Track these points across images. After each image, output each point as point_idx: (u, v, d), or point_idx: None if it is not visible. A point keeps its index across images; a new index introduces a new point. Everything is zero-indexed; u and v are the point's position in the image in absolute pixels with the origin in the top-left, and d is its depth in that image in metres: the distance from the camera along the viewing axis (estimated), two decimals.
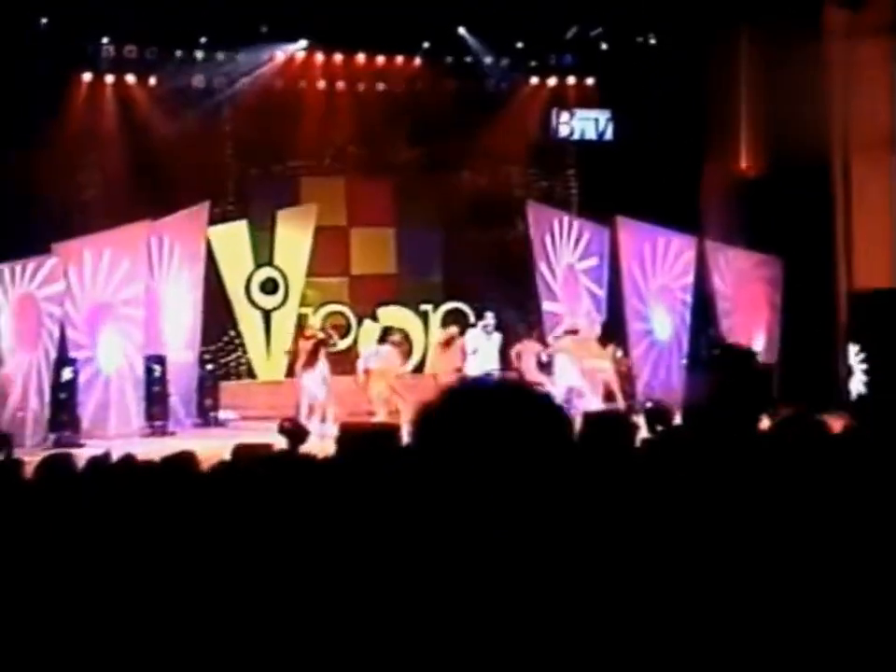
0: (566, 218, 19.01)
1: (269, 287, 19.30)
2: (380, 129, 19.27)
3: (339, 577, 2.30)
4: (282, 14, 17.76)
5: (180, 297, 17.77)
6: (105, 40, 17.80)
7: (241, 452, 7.46)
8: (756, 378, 3.30)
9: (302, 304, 19.48)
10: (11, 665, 3.08)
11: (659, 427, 8.56)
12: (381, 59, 19.28)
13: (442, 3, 17.96)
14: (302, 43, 18.82)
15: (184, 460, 4.61)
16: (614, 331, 18.18)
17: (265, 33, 18.26)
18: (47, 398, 15.90)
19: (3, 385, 15.46)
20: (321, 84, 19.26)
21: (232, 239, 19.07)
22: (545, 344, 17.85)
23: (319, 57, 19.15)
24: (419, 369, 19.07)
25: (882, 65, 17.10)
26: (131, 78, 18.25)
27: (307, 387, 16.57)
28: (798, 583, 2.64)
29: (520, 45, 19.38)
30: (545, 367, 17.62)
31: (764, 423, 3.61)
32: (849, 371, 16.59)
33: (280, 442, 9.49)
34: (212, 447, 11.28)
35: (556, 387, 17.39)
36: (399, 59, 19.34)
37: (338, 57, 19.17)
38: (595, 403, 16.69)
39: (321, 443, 10.78)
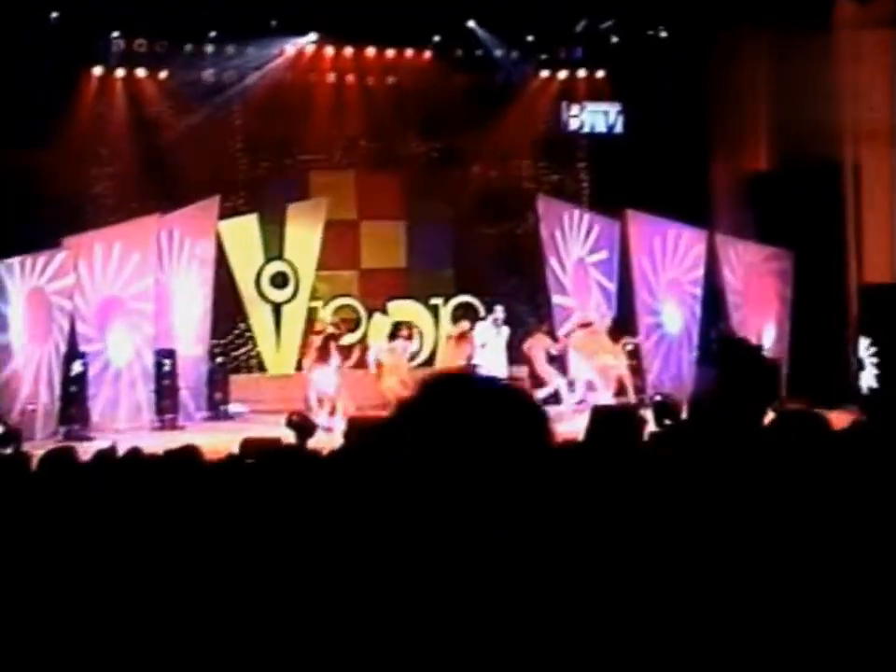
0: (576, 212, 18.98)
1: (279, 280, 19.31)
2: (390, 122, 19.24)
3: (338, 573, 2.30)
4: (292, 7, 17.76)
5: (190, 290, 17.79)
6: (115, 34, 17.80)
7: (248, 445, 7.49)
8: (760, 373, 3.30)
9: (313, 298, 19.49)
10: (12, 662, 3.10)
11: (667, 421, 8.58)
12: (391, 52, 19.25)
13: None
14: (312, 36, 18.80)
15: (187, 454, 4.62)
16: (625, 325, 18.17)
17: (275, 26, 18.26)
18: (57, 391, 15.95)
19: (13, 379, 15.51)
20: (331, 78, 19.24)
21: (243, 233, 19.07)
22: (555, 338, 17.86)
23: (329, 51, 19.12)
24: (430, 363, 19.08)
25: (884, 57, 17.06)
26: (141, 73, 18.26)
27: (316, 381, 16.63)
28: (795, 582, 2.64)
29: (530, 38, 19.33)
30: (555, 361, 17.63)
31: (770, 417, 3.61)
32: (860, 365, 16.56)
33: (288, 436, 9.52)
34: (221, 441, 11.33)
35: (577, 381, 17.45)
36: (409, 52, 19.31)
37: (348, 50, 19.14)
38: (608, 397, 16.71)
39: (329, 437, 10.81)
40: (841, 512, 2.87)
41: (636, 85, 19.07)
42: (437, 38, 19.09)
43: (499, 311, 17.43)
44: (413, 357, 18.02)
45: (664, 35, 19.22)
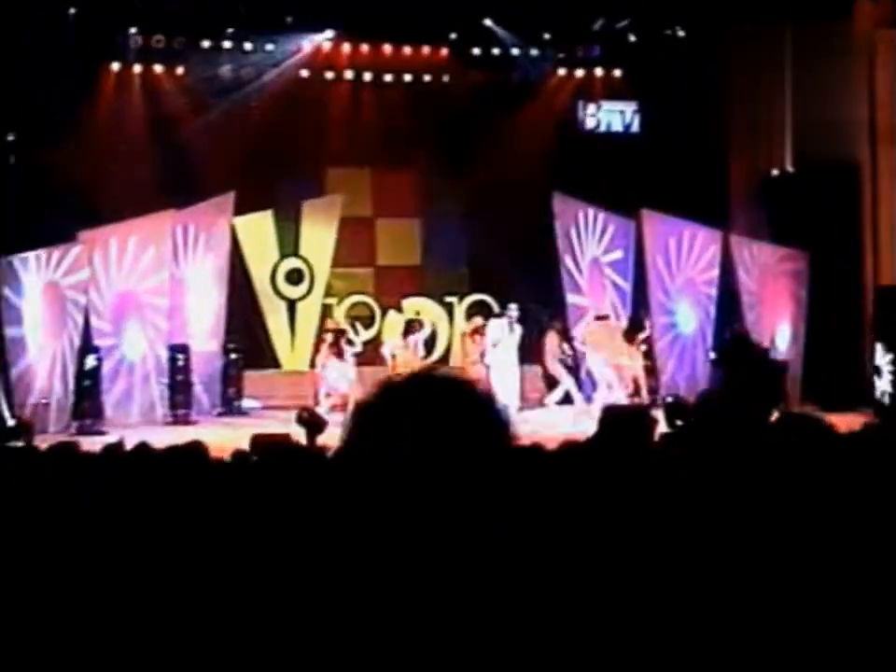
0: (591, 211, 18.93)
1: (294, 277, 19.34)
2: (406, 120, 19.23)
3: (338, 572, 2.30)
4: (309, 4, 17.79)
5: (205, 286, 17.83)
6: (133, 30, 17.85)
7: (258, 441, 7.51)
8: (765, 374, 3.29)
9: (328, 295, 19.51)
10: (14, 659, 3.10)
11: (678, 422, 8.56)
12: (408, 50, 19.25)
13: None
14: (329, 33, 18.81)
15: (192, 450, 4.62)
16: (640, 325, 18.13)
17: (292, 23, 18.28)
18: (70, 385, 16.00)
19: (27, 373, 15.56)
20: (348, 75, 19.27)
21: (258, 229, 19.11)
22: (568, 338, 17.84)
23: (346, 48, 19.14)
24: (445, 360, 19.10)
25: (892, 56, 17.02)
26: (158, 69, 18.32)
27: (327, 377, 16.69)
28: (799, 581, 2.63)
29: (547, 36, 19.30)
30: (565, 360, 17.61)
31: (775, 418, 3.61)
32: (876, 371, 16.45)
33: (300, 433, 9.54)
34: (232, 436, 11.36)
35: (594, 377, 17.44)
36: (426, 50, 19.31)
37: (364, 48, 19.15)
38: (623, 397, 16.69)
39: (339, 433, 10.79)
40: (841, 513, 2.86)
41: (652, 84, 19.04)
42: (454, 36, 19.09)
43: (513, 309, 17.42)
44: (426, 346, 18.10)
45: (681, 34, 19.16)
